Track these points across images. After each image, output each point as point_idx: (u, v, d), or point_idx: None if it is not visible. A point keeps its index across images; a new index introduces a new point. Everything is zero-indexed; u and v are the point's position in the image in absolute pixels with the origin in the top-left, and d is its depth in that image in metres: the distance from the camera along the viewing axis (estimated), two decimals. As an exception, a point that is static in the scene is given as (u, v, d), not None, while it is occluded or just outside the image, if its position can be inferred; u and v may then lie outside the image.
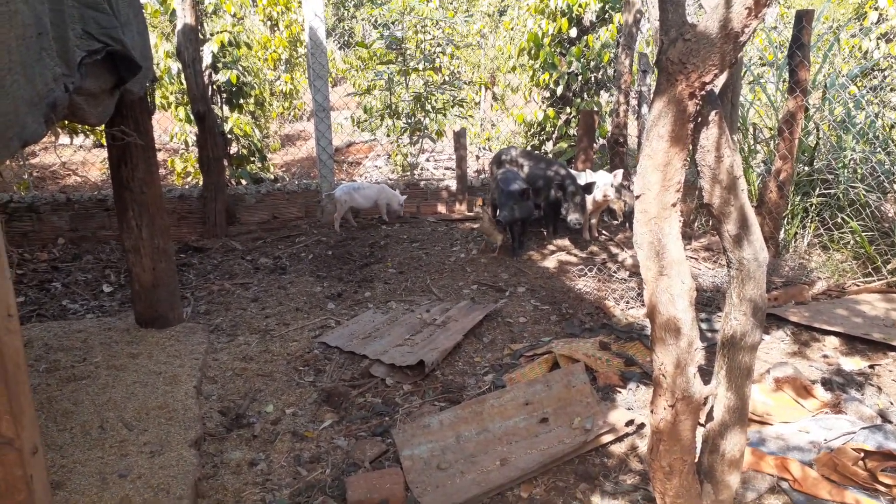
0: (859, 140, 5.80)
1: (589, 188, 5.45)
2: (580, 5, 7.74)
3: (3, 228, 1.88)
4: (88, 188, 8.61)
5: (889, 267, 4.76)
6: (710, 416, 2.22)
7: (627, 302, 4.54)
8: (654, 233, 1.91)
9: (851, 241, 5.14)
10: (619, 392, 3.37)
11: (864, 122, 5.97)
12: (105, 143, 3.98)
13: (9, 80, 1.69)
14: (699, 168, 1.95)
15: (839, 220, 5.26)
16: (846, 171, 5.59)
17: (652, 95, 1.85)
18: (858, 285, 4.68)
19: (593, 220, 5.91)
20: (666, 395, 2.06)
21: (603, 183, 5.60)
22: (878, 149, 5.67)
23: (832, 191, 5.48)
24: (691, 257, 5.35)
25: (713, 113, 1.85)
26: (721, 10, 1.66)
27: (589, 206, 5.62)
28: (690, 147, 1.89)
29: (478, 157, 9.60)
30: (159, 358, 3.63)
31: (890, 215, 5.20)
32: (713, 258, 5.37)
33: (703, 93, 1.77)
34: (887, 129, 5.88)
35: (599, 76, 8.27)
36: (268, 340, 4.08)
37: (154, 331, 3.98)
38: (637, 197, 1.92)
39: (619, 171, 5.88)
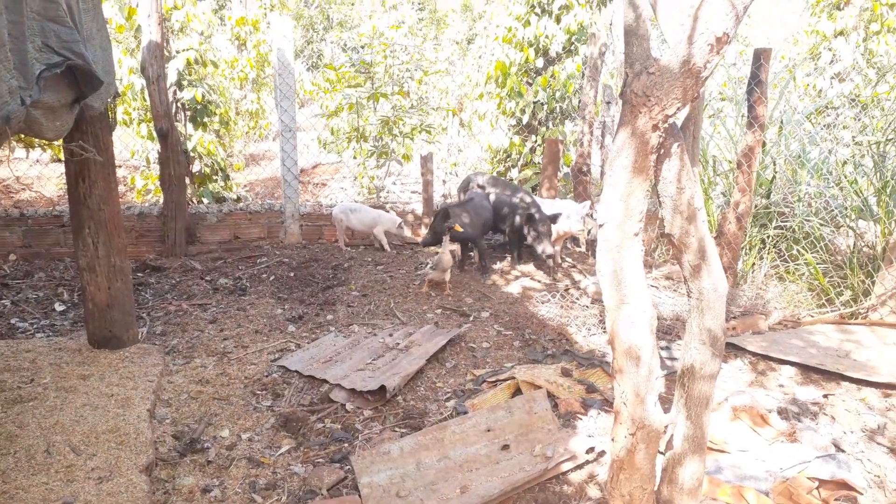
0: (813, 175, 5.99)
1: (555, 218, 5.50)
2: (547, 37, 7.89)
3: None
4: (43, 204, 8.39)
5: (842, 299, 4.89)
6: (669, 445, 2.23)
7: (589, 329, 4.57)
8: (616, 261, 1.92)
9: (806, 273, 5.28)
10: (580, 419, 3.38)
11: (818, 158, 6.17)
12: (63, 159, 3.88)
13: (-39, 91, 1.64)
14: (660, 199, 1.98)
15: (794, 252, 5.40)
16: (801, 204, 5.76)
17: (616, 127, 1.88)
18: (812, 316, 4.79)
19: (557, 248, 5.97)
20: (626, 424, 2.06)
21: (566, 214, 5.68)
22: (832, 184, 5.86)
23: (788, 223, 5.64)
24: (652, 286, 5.43)
25: (675, 146, 1.88)
26: (684, 46, 1.70)
27: (553, 235, 5.68)
28: (653, 178, 1.92)
29: (444, 182, 9.65)
30: (111, 380, 3.51)
31: (842, 248, 5.36)
32: (674, 287, 5.45)
33: (665, 125, 1.80)
34: (840, 166, 6.09)
35: (564, 106, 8.41)
36: (225, 363, 3.99)
37: (107, 352, 3.86)
38: (600, 226, 1.94)
39: (587, 203, 5.96)
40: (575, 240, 6.71)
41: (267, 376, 3.83)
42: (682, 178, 1.91)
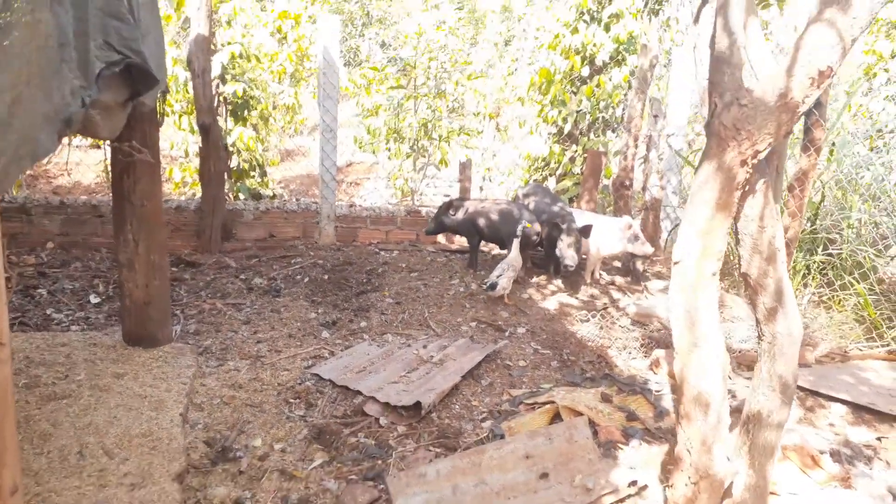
0: (866, 200, 5.77)
1: (586, 231, 5.33)
2: (594, 45, 7.75)
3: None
4: (81, 191, 8.46)
5: (892, 334, 4.70)
6: (727, 493, 2.11)
7: (630, 352, 4.44)
8: (691, 302, 1.81)
9: (854, 303, 5.08)
10: (621, 448, 3.26)
11: (871, 183, 5.94)
12: (101, 145, 3.86)
13: (26, 93, 1.58)
14: (739, 237, 1.87)
15: (843, 280, 5.20)
16: (851, 231, 5.55)
17: (699, 160, 1.77)
18: (861, 350, 4.61)
19: (597, 265, 5.82)
20: (688, 472, 1.95)
21: (606, 232, 5.52)
22: (884, 210, 5.64)
23: (835, 250, 5.44)
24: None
25: (761, 182, 1.77)
26: (782, 77, 1.59)
27: (598, 253, 5.56)
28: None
29: (481, 188, 9.55)
30: (145, 380, 3.48)
31: (894, 279, 5.15)
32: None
33: (754, 161, 1.69)
34: (894, 192, 5.86)
35: (608, 116, 8.26)
36: (258, 367, 3.93)
37: (141, 350, 3.83)
38: (675, 263, 1.83)
39: (626, 219, 5.74)
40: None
41: (300, 384, 3.77)
42: (765, 217, 1.80)
